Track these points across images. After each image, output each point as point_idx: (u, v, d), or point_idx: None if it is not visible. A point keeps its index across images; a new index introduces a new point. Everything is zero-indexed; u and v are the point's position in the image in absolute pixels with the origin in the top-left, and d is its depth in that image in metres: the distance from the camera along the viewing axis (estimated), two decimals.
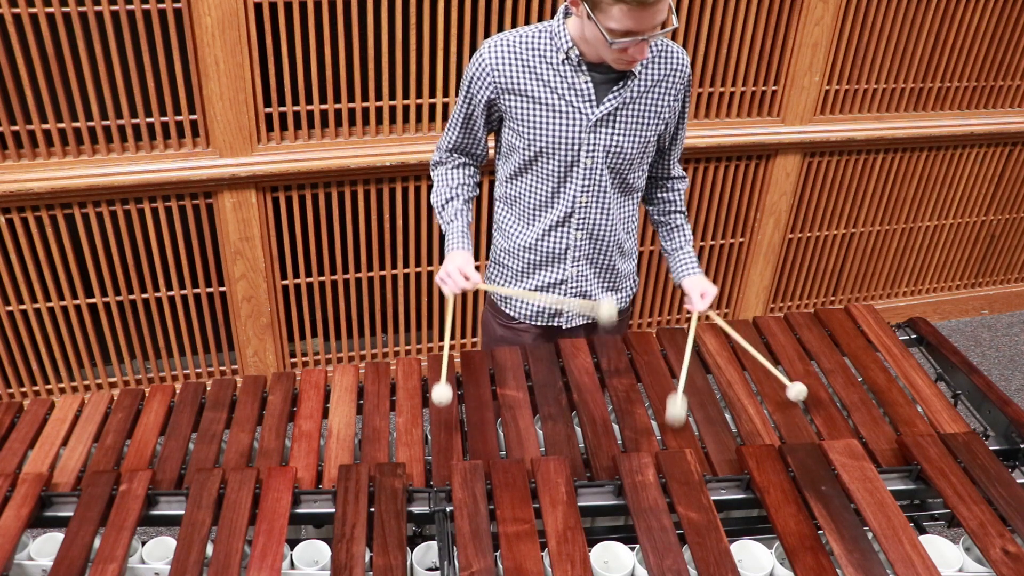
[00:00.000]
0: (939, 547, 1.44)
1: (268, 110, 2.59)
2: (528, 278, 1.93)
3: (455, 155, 1.89)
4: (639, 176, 1.86)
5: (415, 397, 1.74)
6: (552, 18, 1.72)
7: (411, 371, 1.81)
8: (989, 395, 1.77)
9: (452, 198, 1.87)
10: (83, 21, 2.33)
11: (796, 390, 1.71)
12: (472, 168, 1.91)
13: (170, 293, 2.83)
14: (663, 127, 1.81)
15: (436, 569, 1.36)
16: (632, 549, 1.41)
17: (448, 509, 1.42)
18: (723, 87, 2.94)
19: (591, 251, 1.89)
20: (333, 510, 1.43)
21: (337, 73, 2.59)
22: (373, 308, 3.06)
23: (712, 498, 1.44)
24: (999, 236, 3.77)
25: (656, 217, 2.00)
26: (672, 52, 1.75)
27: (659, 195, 1.98)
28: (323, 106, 2.63)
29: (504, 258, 1.95)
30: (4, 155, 2.47)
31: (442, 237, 1.89)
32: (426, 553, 1.42)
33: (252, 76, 2.49)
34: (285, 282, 2.92)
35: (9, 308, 2.70)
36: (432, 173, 1.93)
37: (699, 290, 1.88)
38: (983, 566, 1.40)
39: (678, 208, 1.98)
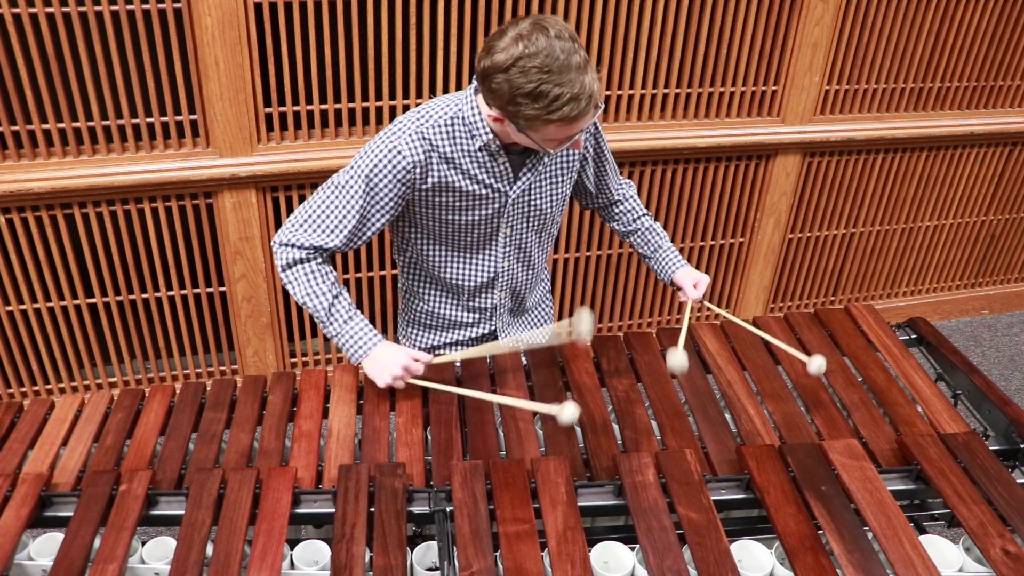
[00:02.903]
0: (939, 547, 1.44)
1: (268, 110, 2.59)
2: (455, 332, 1.90)
3: (320, 252, 1.66)
4: (558, 221, 1.83)
5: (415, 397, 1.74)
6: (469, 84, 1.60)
7: None
8: (989, 395, 1.77)
9: (338, 294, 1.67)
10: (83, 21, 2.33)
11: (817, 364, 1.68)
12: (331, 255, 1.71)
13: (170, 293, 2.83)
14: (576, 175, 1.78)
15: (436, 569, 1.36)
16: (632, 549, 1.41)
17: (448, 509, 1.42)
18: (723, 87, 2.93)
19: (516, 304, 1.89)
20: (333, 510, 1.43)
21: (337, 73, 2.59)
22: (373, 308, 3.05)
23: (712, 498, 1.44)
24: (999, 236, 3.77)
25: (623, 228, 1.96)
26: None
27: (615, 211, 1.95)
28: (323, 106, 2.63)
29: (423, 318, 1.90)
30: (4, 155, 2.47)
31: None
32: (426, 553, 1.42)
33: (252, 76, 2.49)
34: None
35: (9, 308, 2.70)
36: (289, 271, 1.66)
37: (691, 280, 1.86)
38: (983, 566, 1.40)
39: (641, 213, 1.95)
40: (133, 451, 1.64)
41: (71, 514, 1.43)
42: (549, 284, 2.05)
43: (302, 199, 2.74)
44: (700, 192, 3.12)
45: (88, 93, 2.43)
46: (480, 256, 1.76)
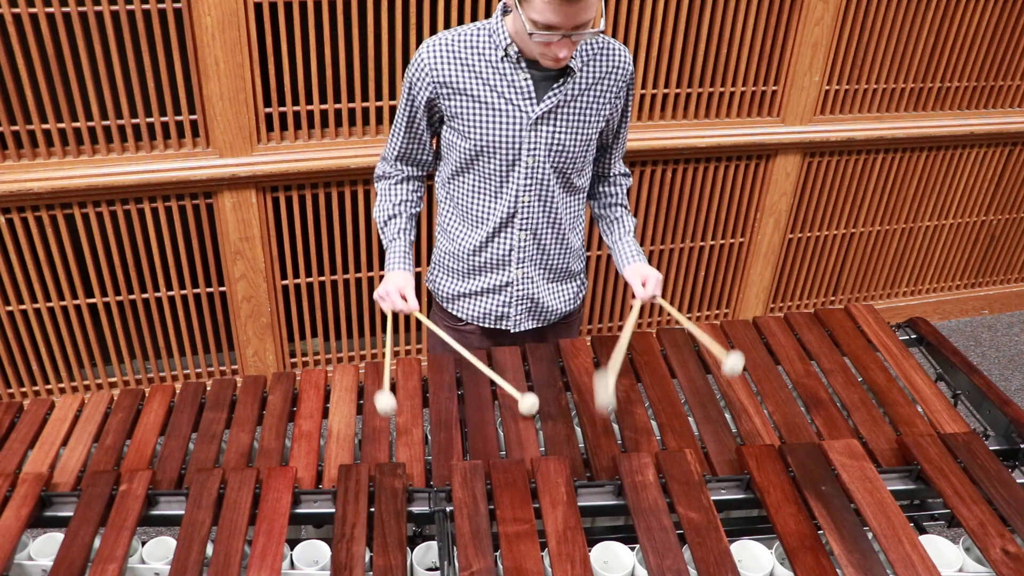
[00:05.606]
0: (939, 547, 1.44)
1: (268, 110, 2.59)
2: (472, 280, 1.90)
3: (400, 165, 1.86)
4: (583, 175, 1.84)
5: (415, 397, 1.74)
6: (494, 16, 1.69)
7: (411, 371, 1.81)
8: (989, 395, 1.77)
9: (395, 215, 1.86)
10: (83, 21, 2.33)
11: (731, 362, 1.60)
12: (416, 183, 1.89)
13: (170, 293, 2.83)
14: (604, 125, 1.79)
15: (436, 569, 1.36)
16: (632, 549, 1.41)
17: (448, 509, 1.42)
18: (723, 87, 2.94)
19: (536, 253, 1.86)
20: (333, 510, 1.43)
21: (337, 73, 2.59)
22: (373, 308, 3.05)
23: (712, 498, 1.44)
24: (999, 236, 3.77)
25: (597, 211, 1.97)
26: (613, 50, 1.73)
27: (600, 189, 1.95)
28: (323, 106, 2.63)
29: (447, 260, 1.92)
30: (4, 155, 2.47)
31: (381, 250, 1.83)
32: (426, 553, 1.42)
33: (252, 76, 2.49)
34: (285, 282, 2.92)
35: (9, 308, 2.70)
36: (376, 185, 1.90)
37: (639, 277, 1.82)
38: (983, 566, 1.40)
39: (619, 201, 1.95)
40: (133, 451, 1.64)
41: (71, 514, 1.43)
42: (584, 263, 2.02)
43: (302, 199, 2.75)
44: (700, 192, 3.12)
45: (88, 93, 2.43)
46: (503, 189, 1.77)
